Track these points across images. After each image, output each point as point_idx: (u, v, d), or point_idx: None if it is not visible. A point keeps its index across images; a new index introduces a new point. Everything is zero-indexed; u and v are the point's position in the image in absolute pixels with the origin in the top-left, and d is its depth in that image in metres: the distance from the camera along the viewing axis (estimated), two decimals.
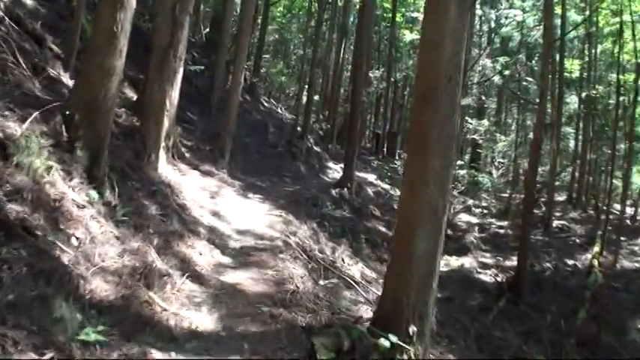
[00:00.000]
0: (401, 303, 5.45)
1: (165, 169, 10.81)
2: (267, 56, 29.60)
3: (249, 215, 11.00)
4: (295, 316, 5.96)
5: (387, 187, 24.31)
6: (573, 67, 25.39)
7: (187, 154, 13.73)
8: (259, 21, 28.25)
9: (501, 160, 29.81)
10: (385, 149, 31.77)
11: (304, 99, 26.87)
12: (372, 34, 24.71)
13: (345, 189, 18.97)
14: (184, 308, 5.49)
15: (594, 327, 12.89)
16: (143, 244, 6.18)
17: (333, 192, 18.45)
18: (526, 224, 14.35)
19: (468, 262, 16.95)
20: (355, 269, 11.11)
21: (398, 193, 23.86)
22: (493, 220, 23.31)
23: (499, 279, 15.40)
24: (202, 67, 16.48)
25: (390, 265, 6.00)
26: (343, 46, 28.78)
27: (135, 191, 7.97)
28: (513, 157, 27.52)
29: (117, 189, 7.26)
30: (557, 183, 33.83)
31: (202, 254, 7.37)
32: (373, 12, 23.69)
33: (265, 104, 25.89)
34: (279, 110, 26.54)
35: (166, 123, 11.86)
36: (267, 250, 8.44)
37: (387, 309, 5.65)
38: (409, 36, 33.83)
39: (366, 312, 8.20)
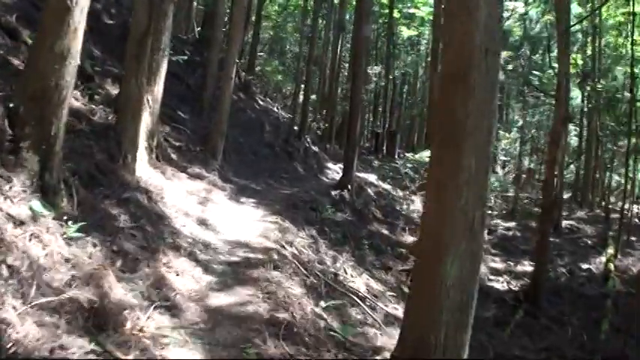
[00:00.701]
0: (427, 346, 4.13)
1: (146, 172, 9.47)
2: (262, 54, 28.25)
3: (241, 223, 9.66)
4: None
5: (388, 187, 23.01)
6: (577, 60, 24.02)
7: (175, 156, 12.40)
8: (253, 18, 26.92)
9: (503, 158, 28.53)
10: (385, 148, 30.44)
11: (301, 97, 25.55)
12: (370, 28, 23.34)
13: (346, 190, 17.65)
14: (146, 355, 4.13)
15: (619, 340, 11.58)
16: (101, 268, 4.83)
17: (333, 194, 17.13)
18: (545, 228, 12.98)
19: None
20: (360, 281, 9.79)
21: (400, 193, 22.60)
22: (499, 221, 21.96)
23: (513, 287, 14.12)
24: (185, 58, 15.07)
25: (412, 296, 4.64)
26: (340, 42, 27.44)
27: (101, 199, 6.62)
28: (517, 155, 26.17)
29: (76, 198, 5.92)
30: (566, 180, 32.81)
31: (180, 274, 6.02)
32: (371, 5, 22.33)
33: (261, 103, 24.53)
34: (276, 109, 25.18)
35: (148, 121, 10.57)
36: (259, 265, 7.09)
37: (408, 351, 4.31)
38: (407, 32, 32.61)
39: (376, 338, 6.91)
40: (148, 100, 10.62)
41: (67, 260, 4.75)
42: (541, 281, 12.82)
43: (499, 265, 16.20)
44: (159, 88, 10.88)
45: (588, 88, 24.74)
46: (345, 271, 9.93)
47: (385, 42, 31.36)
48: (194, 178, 11.62)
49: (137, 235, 6.35)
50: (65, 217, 5.31)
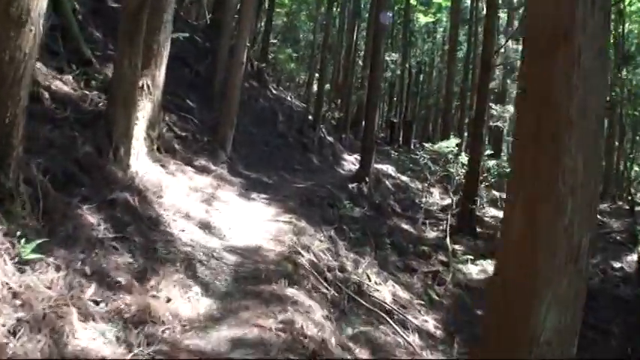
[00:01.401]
0: None
1: (144, 166, 8.15)
2: (274, 41, 26.84)
3: (251, 224, 8.33)
4: None
5: (405, 179, 21.63)
6: None
7: (180, 147, 11.08)
8: (266, 5, 25.50)
9: None
10: (401, 139, 28.99)
11: (315, 87, 24.17)
12: (387, 14, 21.85)
13: (363, 183, 16.31)
14: None
15: None
16: (60, 302, 3.52)
17: (350, 187, 15.79)
18: None
19: None
20: (385, 290, 8.46)
21: (418, 185, 21.21)
22: None
23: None
24: (187, 35, 13.67)
25: (487, 351, 3.22)
26: (356, 29, 25.94)
27: (78, 204, 5.29)
28: None
29: (41, 204, 4.59)
30: None
31: (171, 300, 4.68)
32: None
33: (274, 91, 23.14)
34: (289, 98, 23.75)
35: (148, 109, 9.28)
36: (271, 279, 5.75)
37: None
38: (423, 19, 31.09)
39: None
40: (148, 86, 9.33)
41: (14, 295, 3.44)
42: None
43: None
44: (160, 73, 9.56)
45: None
46: (368, 277, 8.61)
47: (401, 29, 29.78)
48: (200, 171, 10.30)
49: (120, 249, 5.03)
50: (19, 233, 3.99)
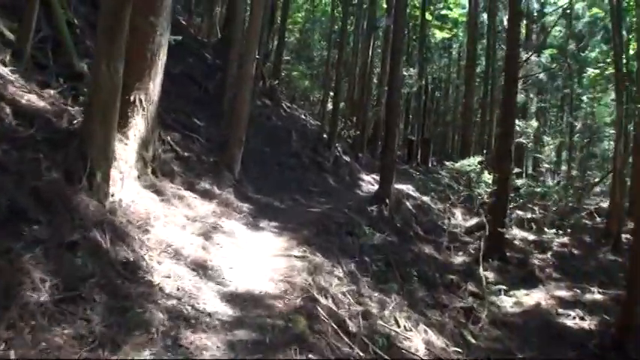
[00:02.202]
0: None
1: (131, 194, 6.75)
2: (288, 58, 25.53)
3: (257, 261, 6.87)
4: None
5: (426, 199, 20.08)
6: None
7: (181, 169, 9.71)
8: (279, 20, 24.24)
9: (546, 165, 25.38)
10: (419, 157, 27.49)
11: (330, 104, 22.79)
12: (405, 26, 20.47)
13: (383, 205, 14.82)
14: None
15: None
16: None
17: (369, 209, 14.32)
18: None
19: (541, 298, 12.61)
20: (417, 339, 6.96)
21: (439, 206, 19.68)
22: (549, 236, 18.78)
23: (589, 325, 11.15)
24: (179, 39, 12.29)
25: None
26: (371, 44, 24.56)
27: (20, 251, 3.87)
28: (566, 162, 22.95)
29: None
30: (601, 188, 29.33)
31: None
32: (406, 3, 19.47)
33: (287, 109, 21.79)
34: (303, 116, 22.38)
35: (141, 126, 7.98)
36: (277, 346, 4.29)
37: None
38: (439, 34, 29.73)
39: None
40: (140, 100, 8.01)
41: None
42: (632, 322, 9.78)
43: (564, 293, 13.16)
44: (155, 86, 8.21)
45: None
46: (396, 321, 7.12)
47: (417, 45, 28.39)
48: (202, 197, 8.89)
49: (71, 315, 3.59)
50: None
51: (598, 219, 22.60)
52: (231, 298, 5.24)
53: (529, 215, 20.49)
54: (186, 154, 11.28)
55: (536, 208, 21.96)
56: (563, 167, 26.52)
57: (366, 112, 23.93)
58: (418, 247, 14.40)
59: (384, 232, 13.24)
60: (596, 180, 27.58)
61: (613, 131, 28.70)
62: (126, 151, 7.53)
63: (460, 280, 12.39)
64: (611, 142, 29.65)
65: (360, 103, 24.80)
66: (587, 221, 21.98)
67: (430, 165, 29.22)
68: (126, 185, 6.87)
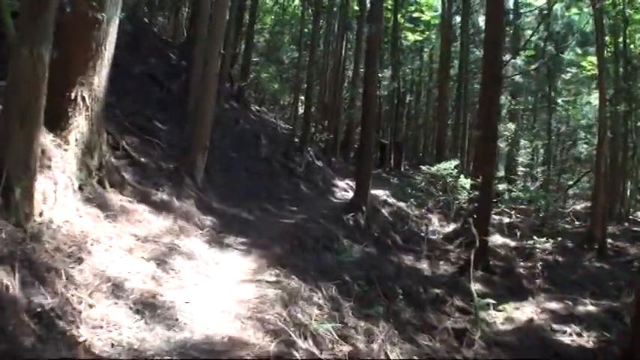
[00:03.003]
0: None
1: (66, 211, 5.42)
2: (257, 59, 24.17)
3: (221, 291, 5.56)
4: None
5: (401, 204, 18.92)
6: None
7: (134, 179, 8.34)
8: (247, 19, 22.88)
9: (522, 169, 24.51)
10: (392, 161, 26.39)
11: (301, 108, 21.53)
12: (383, 21, 19.27)
13: (360, 213, 13.64)
14: None
15: None
16: None
17: (345, 218, 13.13)
18: None
19: (532, 312, 11.52)
20: None
21: (415, 212, 18.57)
22: (530, 242, 17.74)
23: (587, 342, 10.09)
24: (124, 14, 10.85)
25: None
26: (344, 44, 23.37)
27: None
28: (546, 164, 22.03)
29: None
30: (574, 190, 28.58)
31: None
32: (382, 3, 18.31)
33: (256, 112, 20.47)
34: (273, 119, 21.06)
35: (84, 129, 6.63)
36: None
37: None
38: (412, 37, 28.75)
39: None
40: (83, 98, 6.71)
41: None
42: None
43: (556, 305, 12.09)
44: (101, 81, 6.87)
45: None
46: (387, 356, 5.88)
47: (389, 48, 27.31)
48: (158, 210, 7.54)
49: None
50: None
51: (577, 222, 21.83)
52: (185, 350, 3.93)
53: (506, 220, 19.56)
54: (143, 160, 9.92)
55: (512, 212, 21.06)
56: (538, 170, 25.67)
57: (338, 114, 22.72)
58: (398, 257, 13.27)
59: (362, 243, 12.08)
60: (570, 183, 26.91)
61: (588, 135, 28.14)
62: (64, 158, 6.19)
63: (445, 294, 11.26)
64: (584, 145, 29.08)
65: (332, 106, 23.60)
66: (565, 225, 21.15)
67: (402, 169, 28.17)
68: (60, 201, 5.54)
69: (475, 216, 13.95)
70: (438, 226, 18.18)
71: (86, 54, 6.73)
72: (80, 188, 6.42)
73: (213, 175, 11.47)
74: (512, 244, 16.91)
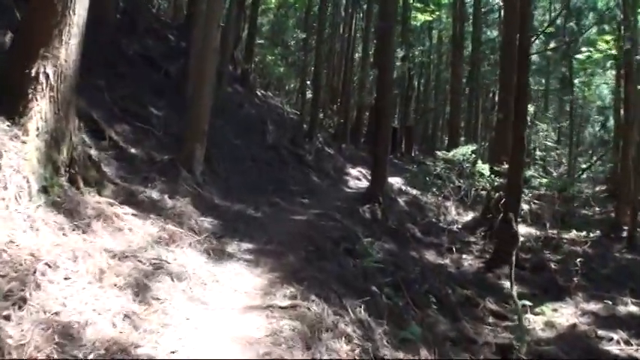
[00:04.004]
0: None
1: (16, 223, 3.97)
2: (261, 41, 22.51)
3: (221, 325, 4.10)
4: None
5: (415, 192, 17.42)
6: None
7: (118, 174, 6.87)
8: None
9: (540, 153, 22.85)
10: (403, 146, 24.83)
11: (308, 92, 19.91)
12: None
13: (376, 204, 12.16)
14: None
15: None
16: None
17: (361, 210, 11.68)
18: None
19: (572, 314, 10.06)
20: None
21: (431, 200, 17.09)
22: (554, 232, 16.17)
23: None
24: None
25: None
26: (354, 23, 21.71)
27: None
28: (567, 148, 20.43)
29: None
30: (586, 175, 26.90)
31: None
32: None
33: (262, 97, 18.91)
34: (279, 104, 19.46)
35: (47, 114, 5.18)
36: None
37: None
38: (422, 17, 26.98)
39: None
40: (46, 76, 5.27)
41: None
42: None
43: (595, 306, 10.60)
44: (70, 54, 5.40)
45: None
46: None
47: (399, 28, 25.59)
48: (146, 213, 6.06)
49: None
50: None
51: (597, 208, 20.30)
52: None
53: (526, 207, 18.04)
54: (133, 151, 8.48)
55: (530, 199, 19.47)
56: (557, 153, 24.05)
57: (348, 98, 21.10)
58: (419, 253, 11.84)
59: (381, 239, 10.64)
60: (583, 167, 25.34)
61: (602, 118, 26.50)
62: (20, 153, 4.75)
63: (475, 295, 9.87)
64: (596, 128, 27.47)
65: (343, 89, 21.96)
66: (587, 212, 19.64)
67: (413, 154, 26.64)
68: (7, 213, 4.09)
69: (501, 205, 12.55)
70: (455, 215, 16.69)
71: (50, 20, 5.25)
72: (44, 190, 4.96)
73: (214, 165, 10.00)
74: (537, 233, 15.37)
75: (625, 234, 15.36)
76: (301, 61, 22.29)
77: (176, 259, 5.15)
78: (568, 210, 17.84)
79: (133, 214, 5.83)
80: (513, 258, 8.56)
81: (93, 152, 6.62)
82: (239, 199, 9.16)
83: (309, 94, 20.08)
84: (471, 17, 24.40)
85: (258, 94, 18.85)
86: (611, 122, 24.77)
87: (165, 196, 6.86)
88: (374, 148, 12.91)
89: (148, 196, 6.63)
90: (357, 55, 25.78)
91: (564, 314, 10.05)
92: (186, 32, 16.72)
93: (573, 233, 15.69)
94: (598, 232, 16.07)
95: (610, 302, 10.75)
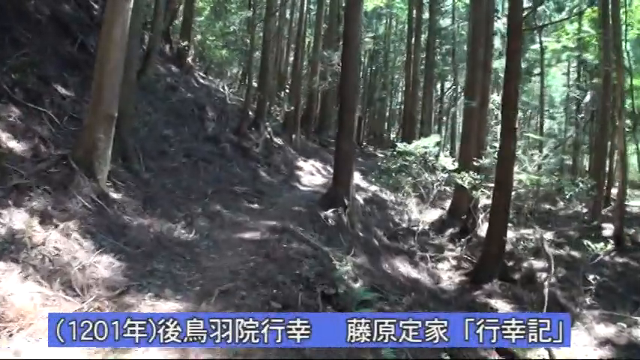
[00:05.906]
0: None
1: None
2: (201, 18, 19.39)
3: None
4: None
5: (374, 188, 15.00)
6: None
7: None
8: None
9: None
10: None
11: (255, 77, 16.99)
12: None
13: (341, 207, 9.53)
14: None
15: None
16: None
17: (323, 216, 9.02)
18: None
19: (589, 344, 7.83)
20: None
21: (391, 197, 14.73)
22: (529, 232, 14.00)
23: None
24: None
25: None
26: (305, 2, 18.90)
27: None
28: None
29: None
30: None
31: None
32: None
33: (200, 80, 15.90)
34: (221, 88, 16.43)
35: None
36: None
37: None
38: (372, 3, 24.45)
39: None
40: None
41: None
42: None
43: (607, 331, 8.38)
44: None
45: None
46: None
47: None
48: None
49: None
50: None
51: (561, 204, 18.46)
52: None
53: (485, 201, 15.92)
54: (10, 145, 5.54)
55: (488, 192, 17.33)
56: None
57: (299, 83, 18.31)
58: (391, 265, 9.41)
59: (350, 251, 8.09)
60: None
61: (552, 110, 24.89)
62: None
63: None
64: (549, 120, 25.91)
65: (294, 72, 19.17)
66: (549, 207, 17.78)
67: (362, 146, 24.24)
68: None
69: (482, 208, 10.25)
70: (417, 213, 14.33)
71: None
72: None
73: (134, 164, 7.14)
74: (510, 234, 13.18)
75: (607, 233, 13.37)
76: (246, 43, 19.27)
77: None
78: (534, 206, 15.84)
79: None
80: (546, 284, 6.13)
81: None
82: (164, 211, 6.33)
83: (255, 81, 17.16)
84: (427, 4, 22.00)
85: (197, 75, 15.83)
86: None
87: (35, 222, 4.01)
88: (337, 141, 10.26)
89: (3, 223, 3.78)
90: (307, 37, 22.94)
91: (579, 344, 7.81)
92: None
93: (550, 234, 13.70)
94: (576, 232, 14.10)
95: (624, 325, 8.62)
